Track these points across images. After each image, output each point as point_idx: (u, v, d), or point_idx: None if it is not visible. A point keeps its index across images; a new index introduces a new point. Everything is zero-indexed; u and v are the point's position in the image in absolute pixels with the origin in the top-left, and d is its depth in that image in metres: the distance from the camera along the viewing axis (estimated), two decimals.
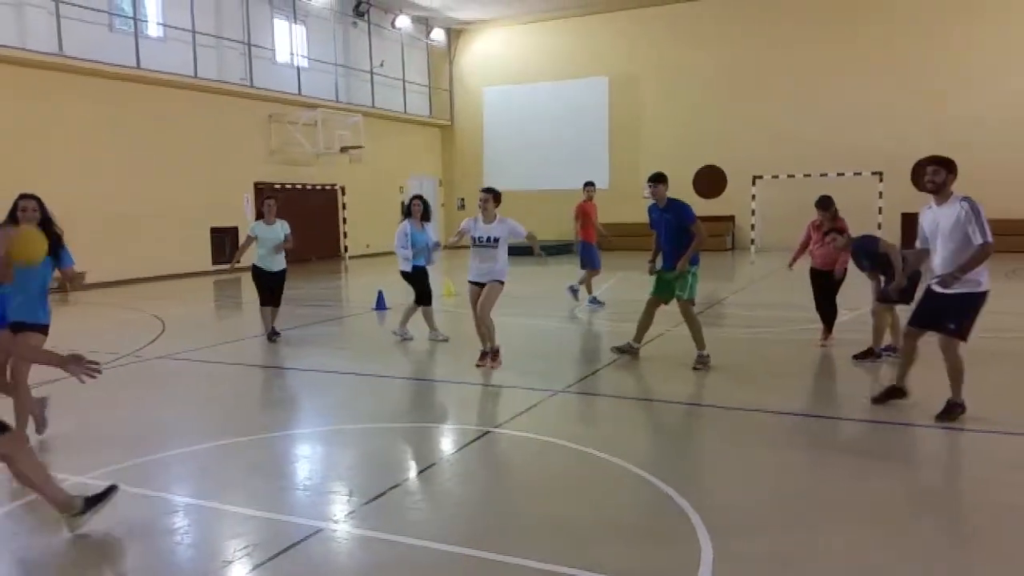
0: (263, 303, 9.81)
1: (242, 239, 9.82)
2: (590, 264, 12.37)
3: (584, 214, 12.37)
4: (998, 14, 21.57)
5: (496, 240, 7.60)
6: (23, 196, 5.35)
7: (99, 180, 16.64)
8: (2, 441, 3.75)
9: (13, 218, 5.23)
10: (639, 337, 8.24)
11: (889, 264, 7.53)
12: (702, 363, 7.70)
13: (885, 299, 7.76)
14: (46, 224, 5.24)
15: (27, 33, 15.71)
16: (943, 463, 5.23)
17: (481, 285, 7.71)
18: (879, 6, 22.84)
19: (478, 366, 7.80)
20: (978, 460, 5.20)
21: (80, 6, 16.36)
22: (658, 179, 7.92)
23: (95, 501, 4.04)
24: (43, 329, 5.30)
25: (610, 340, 9.96)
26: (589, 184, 12.75)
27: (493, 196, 7.71)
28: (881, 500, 4.35)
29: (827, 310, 8.69)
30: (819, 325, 8.83)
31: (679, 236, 7.77)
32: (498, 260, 7.66)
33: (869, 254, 7.80)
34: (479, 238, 7.63)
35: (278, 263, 9.75)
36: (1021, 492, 4.45)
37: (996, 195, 19.29)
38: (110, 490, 4.14)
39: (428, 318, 9.60)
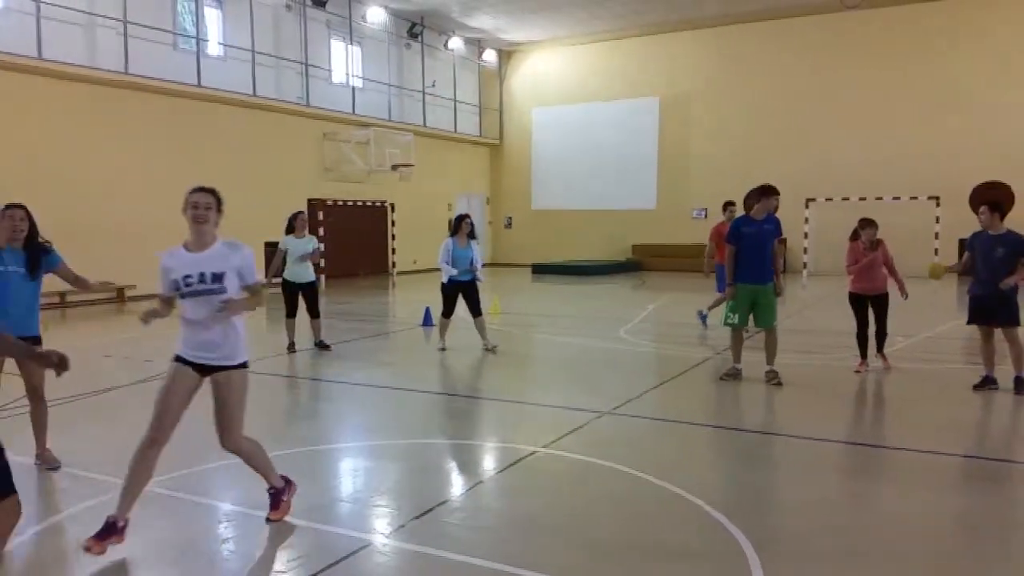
0: (289, 315, 10.16)
1: None
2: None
3: (720, 237, 11.42)
4: None
5: (220, 279, 4.05)
6: (12, 206, 5.13)
7: (160, 193, 17.10)
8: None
9: None
10: (739, 358, 8.25)
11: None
12: (777, 377, 7.93)
13: (976, 311, 7.64)
14: (33, 235, 5.21)
15: (97, 52, 16.33)
16: (1009, 498, 5.04)
17: (201, 368, 4.11)
18: (935, 31, 22.42)
19: (270, 519, 4.38)
20: None
21: (146, 26, 16.94)
22: (776, 191, 7.98)
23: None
24: (37, 341, 5.26)
25: (655, 362, 9.92)
26: (731, 204, 11.87)
27: (216, 198, 4.18)
28: (939, 535, 4.23)
29: (880, 333, 8.61)
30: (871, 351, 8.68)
31: (769, 250, 7.91)
32: (229, 321, 4.11)
33: (1019, 246, 7.45)
34: (187, 279, 4.03)
35: (307, 275, 10.09)
36: None
37: None
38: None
39: (480, 329, 10.10)
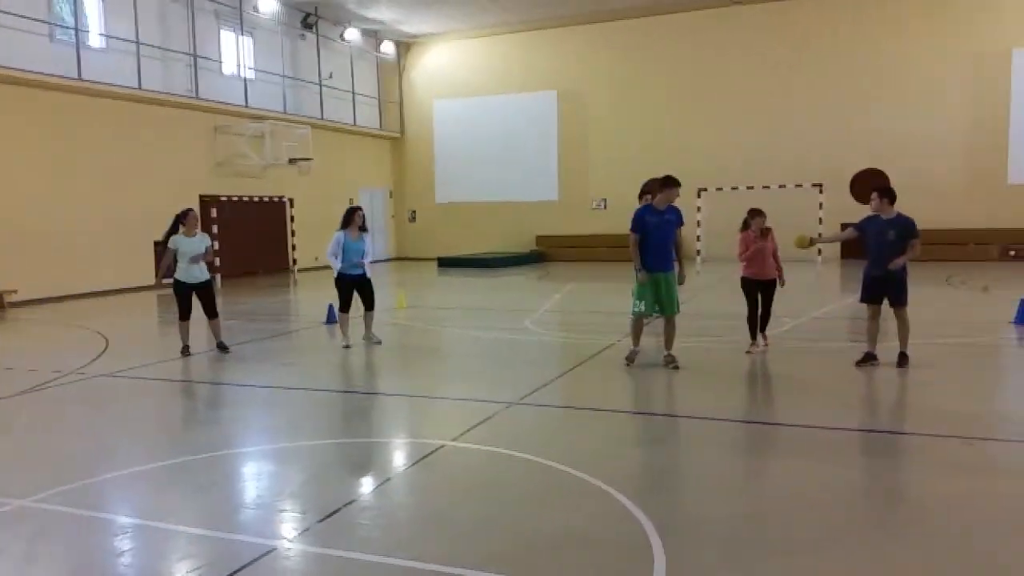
0: (182, 318, 9.82)
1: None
2: None
3: None
4: (928, 37, 22.65)
5: None
6: None
7: (39, 193, 16.18)
8: None
9: None
10: (637, 342, 8.52)
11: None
12: (675, 361, 8.23)
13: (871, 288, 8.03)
14: None
15: None
16: (894, 468, 5.37)
17: None
18: (819, 26, 23.56)
19: None
20: (952, 464, 5.39)
21: (19, 15, 15.92)
22: (678, 183, 8.26)
23: None
24: None
25: (561, 351, 10.08)
26: (647, 193, 11.33)
27: None
28: (838, 509, 4.47)
29: (766, 316, 9.06)
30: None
31: (672, 239, 8.31)
32: None
33: (908, 229, 7.87)
34: None
35: (202, 274, 9.76)
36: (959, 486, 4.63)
37: (926, 205, 20.06)
38: None
39: (368, 322, 10.26)
